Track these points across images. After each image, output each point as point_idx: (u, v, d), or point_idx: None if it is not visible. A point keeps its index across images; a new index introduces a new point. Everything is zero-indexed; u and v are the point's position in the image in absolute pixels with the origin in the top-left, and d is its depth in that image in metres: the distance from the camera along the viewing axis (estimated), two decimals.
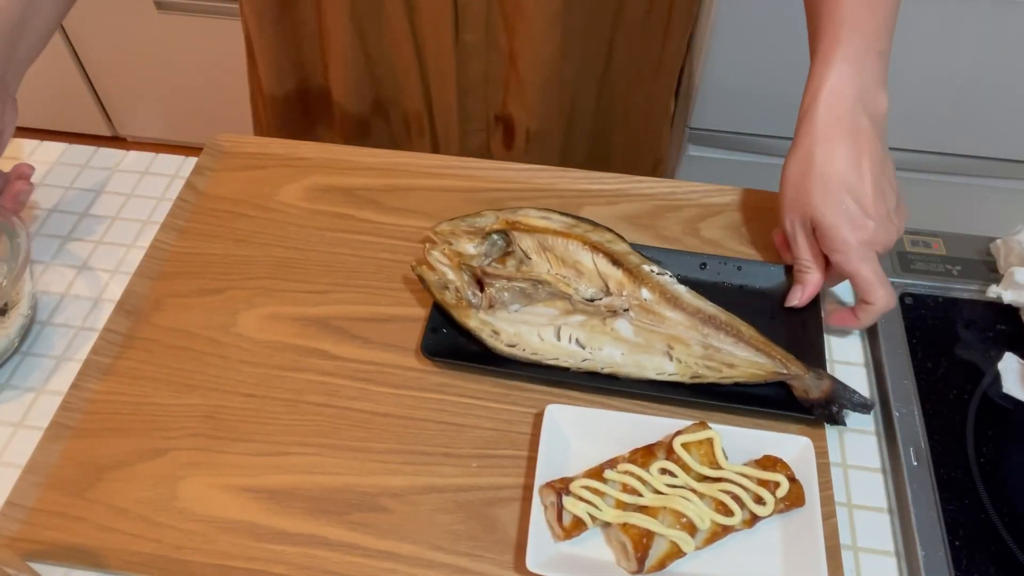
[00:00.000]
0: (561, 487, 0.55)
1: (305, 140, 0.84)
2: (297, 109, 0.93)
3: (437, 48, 0.81)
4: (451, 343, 0.66)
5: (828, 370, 0.65)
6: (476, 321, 0.65)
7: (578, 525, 0.55)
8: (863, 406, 0.61)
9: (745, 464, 0.57)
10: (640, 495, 0.55)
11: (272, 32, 0.85)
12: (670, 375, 0.63)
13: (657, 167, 0.99)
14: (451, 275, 0.67)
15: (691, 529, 0.54)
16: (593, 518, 0.55)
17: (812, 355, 0.64)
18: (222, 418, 0.63)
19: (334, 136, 0.94)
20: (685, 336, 0.64)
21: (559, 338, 0.65)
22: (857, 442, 0.63)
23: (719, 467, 0.57)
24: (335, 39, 0.83)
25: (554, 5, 0.76)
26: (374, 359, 0.66)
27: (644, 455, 0.58)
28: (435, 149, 0.92)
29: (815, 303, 0.67)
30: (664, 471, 0.56)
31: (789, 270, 0.70)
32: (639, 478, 0.56)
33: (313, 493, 0.59)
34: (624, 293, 0.66)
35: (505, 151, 0.91)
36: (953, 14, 1.31)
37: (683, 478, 0.56)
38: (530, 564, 0.53)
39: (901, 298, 0.70)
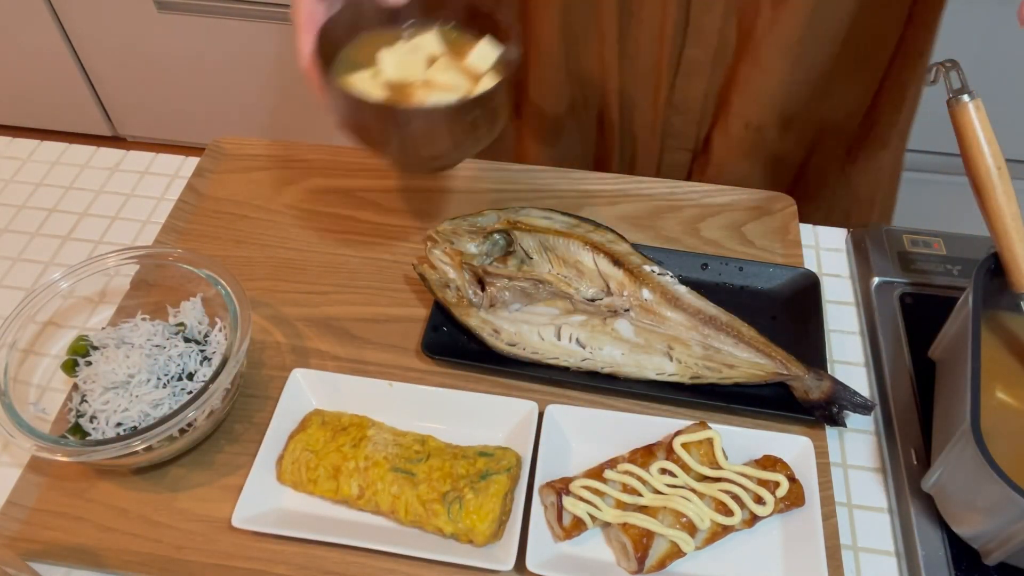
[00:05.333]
0: (561, 487, 0.55)
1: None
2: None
3: (652, 62, 0.77)
4: (452, 342, 0.66)
5: (828, 370, 0.65)
6: (477, 320, 0.65)
7: (578, 525, 0.55)
8: (863, 407, 0.61)
9: (745, 464, 0.57)
10: (640, 495, 0.55)
11: None
12: (670, 375, 0.63)
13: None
14: (452, 274, 0.67)
15: (691, 529, 0.54)
16: (593, 518, 0.55)
17: (812, 355, 0.64)
18: (223, 420, 0.63)
19: (527, 136, 0.90)
20: (685, 337, 0.64)
21: (559, 337, 0.65)
22: (857, 442, 0.63)
23: (719, 467, 0.57)
24: (540, 42, 0.80)
25: (793, 34, 0.71)
26: (375, 359, 0.66)
27: (644, 455, 0.58)
28: (631, 161, 0.88)
29: (816, 302, 0.67)
30: (664, 471, 0.56)
31: (790, 270, 0.70)
32: (639, 478, 0.56)
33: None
34: (625, 293, 0.66)
35: (701, 179, 0.86)
36: (953, 13, 1.31)
37: (683, 478, 0.56)
38: (530, 564, 0.53)
39: (901, 298, 0.70)
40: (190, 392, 0.59)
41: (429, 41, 0.57)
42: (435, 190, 0.79)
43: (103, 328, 0.64)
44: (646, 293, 0.66)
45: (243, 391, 0.64)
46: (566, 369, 0.64)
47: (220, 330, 0.63)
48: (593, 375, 0.64)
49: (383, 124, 0.53)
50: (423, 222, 0.75)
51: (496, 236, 0.69)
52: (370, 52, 0.57)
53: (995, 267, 0.58)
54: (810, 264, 0.74)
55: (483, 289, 0.67)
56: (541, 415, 0.60)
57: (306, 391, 0.63)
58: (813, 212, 0.85)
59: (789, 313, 0.68)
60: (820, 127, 0.81)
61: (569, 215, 0.70)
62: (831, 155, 0.84)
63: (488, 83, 0.54)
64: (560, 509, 0.54)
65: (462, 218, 0.70)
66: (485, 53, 0.57)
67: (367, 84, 0.55)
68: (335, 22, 0.56)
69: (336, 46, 0.56)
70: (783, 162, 0.84)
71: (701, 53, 0.75)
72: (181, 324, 0.63)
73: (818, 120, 0.80)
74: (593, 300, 0.66)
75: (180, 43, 1.85)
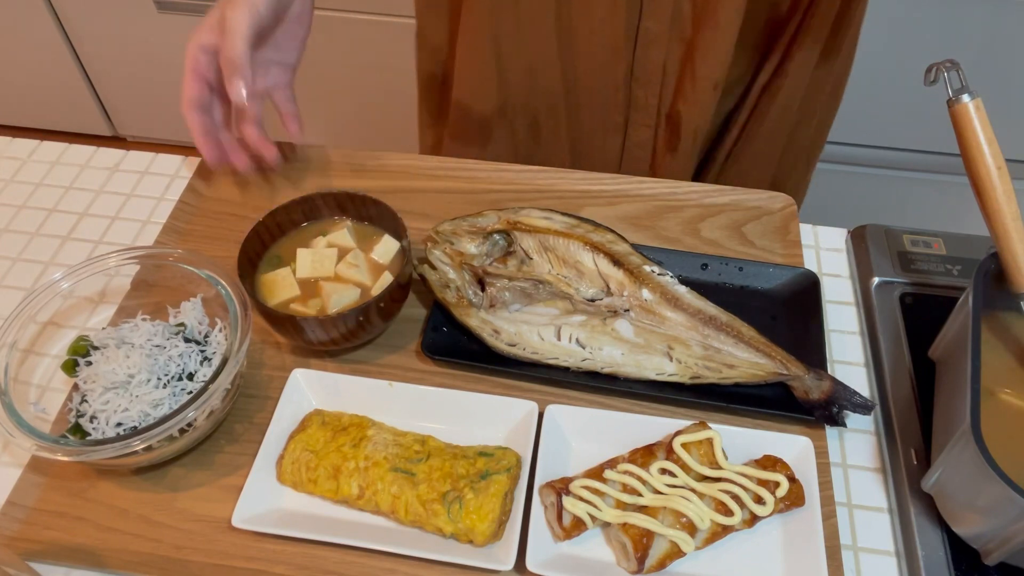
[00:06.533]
0: (561, 487, 0.55)
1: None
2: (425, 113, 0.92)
3: (609, 38, 0.77)
4: (452, 342, 0.66)
5: (828, 370, 0.65)
6: (477, 320, 0.65)
7: (578, 525, 0.55)
8: (863, 407, 0.61)
9: (745, 464, 0.57)
10: (640, 495, 0.55)
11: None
12: (670, 375, 0.63)
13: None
14: (452, 274, 0.67)
15: (691, 529, 0.54)
16: (593, 518, 0.55)
17: (812, 355, 0.64)
18: (223, 420, 0.63)
19: (450, 137, 0.90)
20: (685, 337, 0.64)
21: (559, 338, 0.65)
22: (857, 442, 0.63)
23: (719, 467, 0.57)
24: (466, 38, 0.80)
25: None
26: (375, 359, 0.66)
27: (644, 455, 0.58)
28: (572, 150, 0.88)
29: (816, 302, 0.67)
30: (664, 471, 0.56)
31: (790, 270, 0.70)
32: (639, 478, 0.56)
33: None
34: (625, 293, 0.66)
35: (669, 153, 0.86)
36: (953, 14, 1.31)
37: (683, 478, 0.56)
38: (530, 564, 0.53)
39: (901, 298, 0.70)
40: (190, 392, 0.59)
41: (343, 236, 0.69)
42: (435, 190, 0.79)
43: (103, 328, 0.64)
44: (646, 293, 0.66)
45: (243, 391, 0.64)
46: (566, 369, 0.64)
47: (220, 330, 0.63)
48: (593, 375, 0.64)
49: (288, 325, 0.63)
50: (423, 223, 0.75)
51: (496, 236, 0.69)
52: (292, 248, 0.68)
53: (995, 267, 0.58)
54: (810, 264, 0.74)
55: (483, 289, 0.67)
56: (541, 415, 0.60)
57: (306, 391, 0.63)
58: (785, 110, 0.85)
59: (789, 313, 0.68)
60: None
61: (569, 215, 0.70)
62: (805, 57, 0.82)
63: (378, 287, 0.65)
64: (560, 509, 0.54)
65: (462, 218, 0.70)
66: (386, 248, 0.68)
67: (285, 280, 0.66)
68: (264, 225, 0.67)
69: (265, 245, 0.68)
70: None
71: (657, 24, 0.76)
72: (181, 324, 0.63)
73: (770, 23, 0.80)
74: (593, 300, 0.66)
75: (180, 43, 1.85)
